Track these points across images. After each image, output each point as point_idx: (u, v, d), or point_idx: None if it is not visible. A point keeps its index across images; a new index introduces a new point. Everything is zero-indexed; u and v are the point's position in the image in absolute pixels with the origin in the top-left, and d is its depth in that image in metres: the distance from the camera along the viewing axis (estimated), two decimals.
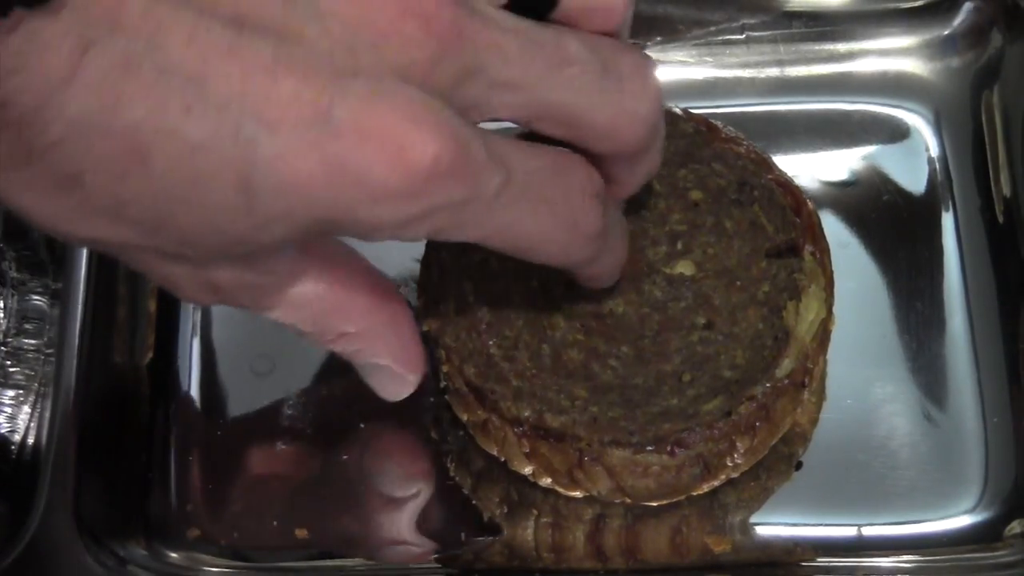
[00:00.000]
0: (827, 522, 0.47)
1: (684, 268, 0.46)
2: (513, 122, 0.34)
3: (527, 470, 0.45)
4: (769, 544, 0.47)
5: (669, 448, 0.43)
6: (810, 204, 0.48)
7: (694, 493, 0.45)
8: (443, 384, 0.47)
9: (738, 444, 0.44)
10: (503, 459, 0.46)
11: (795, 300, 0.45)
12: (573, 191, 0.34)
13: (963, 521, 0.47)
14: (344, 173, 0.28)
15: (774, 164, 0.48)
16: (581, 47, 0.33)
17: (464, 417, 0.46)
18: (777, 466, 0.48)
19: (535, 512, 0.47)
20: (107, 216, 0.29)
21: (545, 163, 0.33)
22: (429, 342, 0.45)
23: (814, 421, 0.48)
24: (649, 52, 0.36)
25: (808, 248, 0.46)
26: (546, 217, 0.34)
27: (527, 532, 0.47)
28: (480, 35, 0.30)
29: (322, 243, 0.36)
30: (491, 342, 0.45)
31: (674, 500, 0.45)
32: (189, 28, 0.27)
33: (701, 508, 0.47)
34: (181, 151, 0.27)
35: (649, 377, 0.44)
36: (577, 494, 0.46)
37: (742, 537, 0.47)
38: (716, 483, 0.45)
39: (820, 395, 0.48)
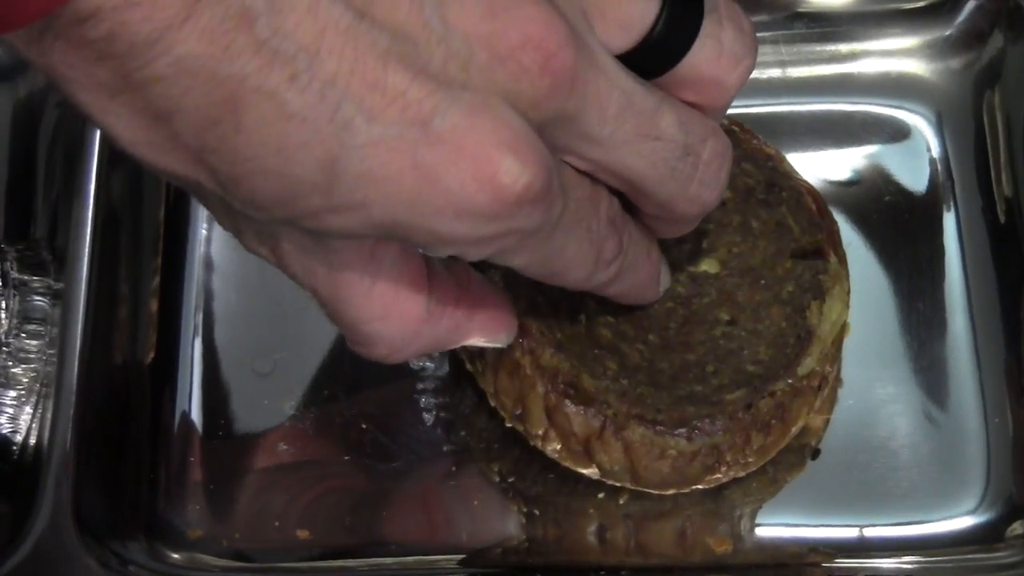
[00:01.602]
0: (829, 523, 0.47)
1: (708, 266, 0.46)
2: (576, 168, 0.34)
3: (539, 431, 0.44)
4: (771, 545, 0.47)
5: (689, 431, 0.43)
6: (831, 213, 0.48)
7: (698, 486, 0.45)
8: None
9: (752, 440, 0.44)
10: (518, 411, 0.45)
11: (819, 300, 0.45)
12: (602, 220, 0.35)
13: (965, 522, 0.47)
14: (434, 182, 0.28)
15: (795, 171, 0.48)
16: (674, 123, 0.33)
17: (489, 362, 0.45)
18: (787, 459, 0.48)
19: (539, 511, 0.47)
20: (188, 156, 0.29)
21: (587, 192, 0.34)
22: None
23: (827, 421, 0.48)
24: None
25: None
26: (584, 244, 0.34)
27: (529, 531, 0.47)
28: (589, 87, 0.30)
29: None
30: (539, 297, 0.44)
31: (678, 491, 0.45)
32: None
33: (704, 507, 0.47)
34: (276, 116, 0.27)
35: (674, 364, 0.44)
36: (583, 470, 0.45)
37: (743, 538, 0.47)
38: (722, 479, 0.45)
39: (833, 395, 0.49)
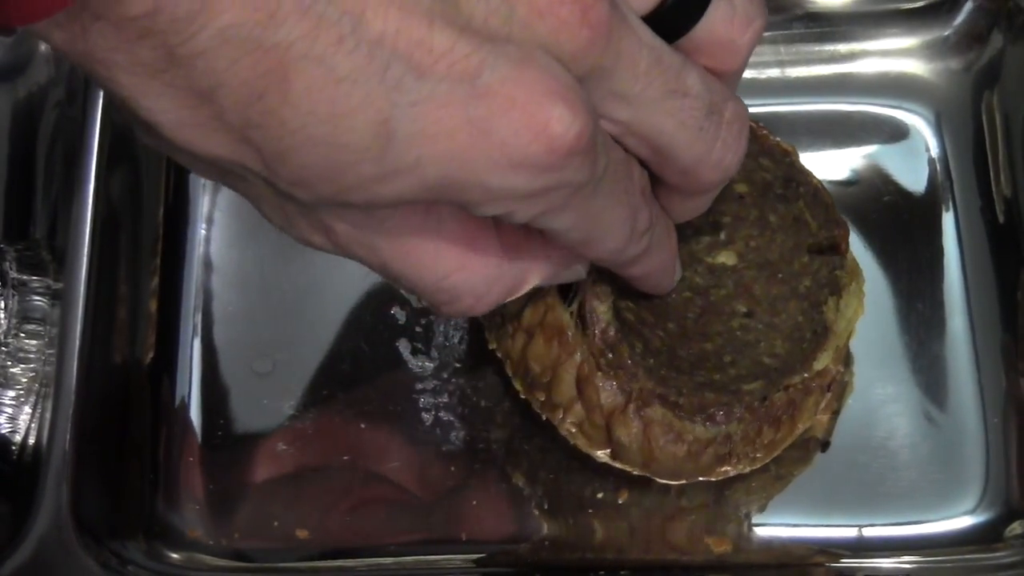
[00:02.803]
0: (828, 523, 0.48)
1: (726, 258, 0.46)
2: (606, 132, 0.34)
3: (564, 400, 0.44)
4: (770, 544, 0.47)
5: (707, 418, 0.43)
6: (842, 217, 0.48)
7: (705, 478, 0.45)
8: None
9: (763, 433, 0.44)
10: (546, 379, 0.44)
11: (835, 296, 0.45)
12: (636, 187, 0.35)
13: (964, 522, 0.47)
14: (487, 135, 0.28)
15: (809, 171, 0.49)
16: (698, 81, 0.33)
17: (541, 313, 0.44)
18: (790, 455, 0.48)
19: (538, 511, 0.47)
20: (232, 135, 0.28)
21: (621, 155, 0.34)
22: None
23: (833, 417, 0.48)
24: None
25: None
26: (623, 208, 0.34)
27: (528, 531, 0.47)
28: (623, 41, 0.31)
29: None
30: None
31: (684, 482, 0.45)
32: None
33: (704, 507, 0.47)
34: (325, 81, 0.27)
35: (693, 352, 0.44)
36: (596, 451, 0.45)
37: (743, 537, 0.47)
38: (730, 472, 0.45)
39: (841, 392, 0.49)
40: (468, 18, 0.28)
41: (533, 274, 0.36)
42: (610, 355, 0.42)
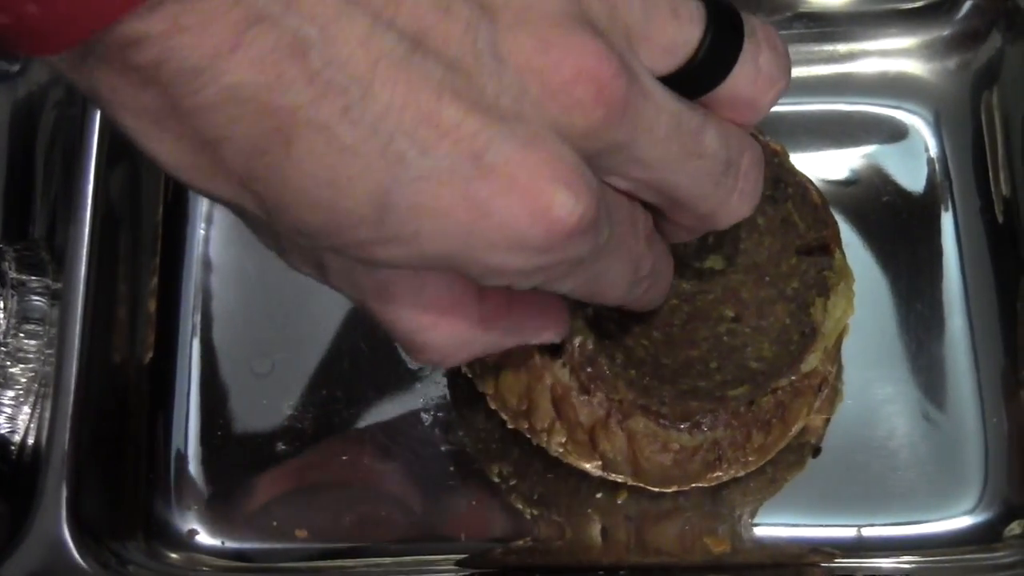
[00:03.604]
0: (827, 523, 0.48)
1: (713, 263, 0.46)
2: (617, 187, 0.34)
3: (544, 424, 0.44)
4: (769, 544, 0.47)
5: (692, 426, 0.43)
6: (833, 214, 0.48)
7: (699, 484, 0.45)
8: None
9: (753, 437, 0.44)
10: (523, 407, 0.44)
11: (823, 297, 0.45)
12: (640, 239, 0.35)
13: (963, 522, 0.47)
14: (486, 215, 0.28)
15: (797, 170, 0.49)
16: (716, 139, 0.33)
17: (489, 363, 0.45)
18: (785, 459, 0.48)
19: (537, 511, 0.47)
20: (234, 182, 0.28)
21: (626, 213, 0.34)
22: None
23: (826, 421, 0.48)
24: None
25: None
26: (625, 265, 0.34)
27: (527, 531, 0.47)
28: (641, 114, 0.30)
29: None
30: None
31: (677, 489, 0.45)
32: (366, 30, 0.27)
33: (703, 508, 0.47)
34: (327, 148, 0.27)
35: (678, 359, 0.44)
36: (586, 464, 0.45)
37: (742, 538, 0.47)
38: (723, 477, 0.45)
39: (833, 396, 0.49)
40: (479, 94, 0.28)
41: (506, 344, 0.37)
42: (589, 369, 0.42)
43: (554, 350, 0.43)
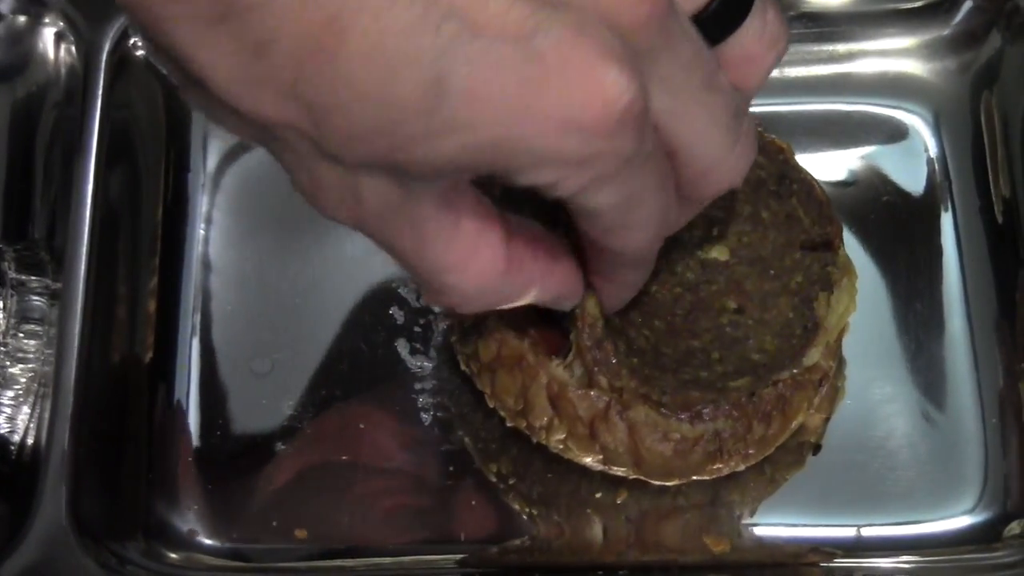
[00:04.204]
0: (826, 522, 0.48)
1: (718, 253, 0.46)
2: None
3: (542, 421, 0.44)
4: (768, 544, 0.47)
5: (693, 416, 0.43)
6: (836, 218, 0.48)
7: (700, 477, 0.45)
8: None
9: (754, 429, 0.44)
10: (520, 407, 0.44)
11: (827, 292, 0.45)
12: (670, 189, 0.35)
13: (962, 521, 0.47)
14: (540, 96, 0.28)
15: (802, 167, 0.49)
16: (728, 83, 0.34)
17: (495, 351, 0.45)
18: (784, 458, 0.48)
19: (537, 511, 0.47)
20: (283, 92, 0.28)
21: (660, 150, 0.34)
22: None
23: (825, 420, 0.48)
24: None
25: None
26: (663, 195, 0.34)
27: (527, 530, 0.47)
28: (674, 28, 0.31)
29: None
30: None
31: (679, 482, 0.45)
32: None
33: (702, 507, 0.47)
34: (382, 34, 0.27)
35: (679, 350, 0.44)
36: (587, 459, 0.44)
37: (742, 537, 0.47)
38: (724, 469, 0.45)
39: (833, 394, 0.49)
40: None
41: (522, 296, 0.36)
42: (597, 352, 0.42)
43: (552, 347, 0.43)
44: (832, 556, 0.47)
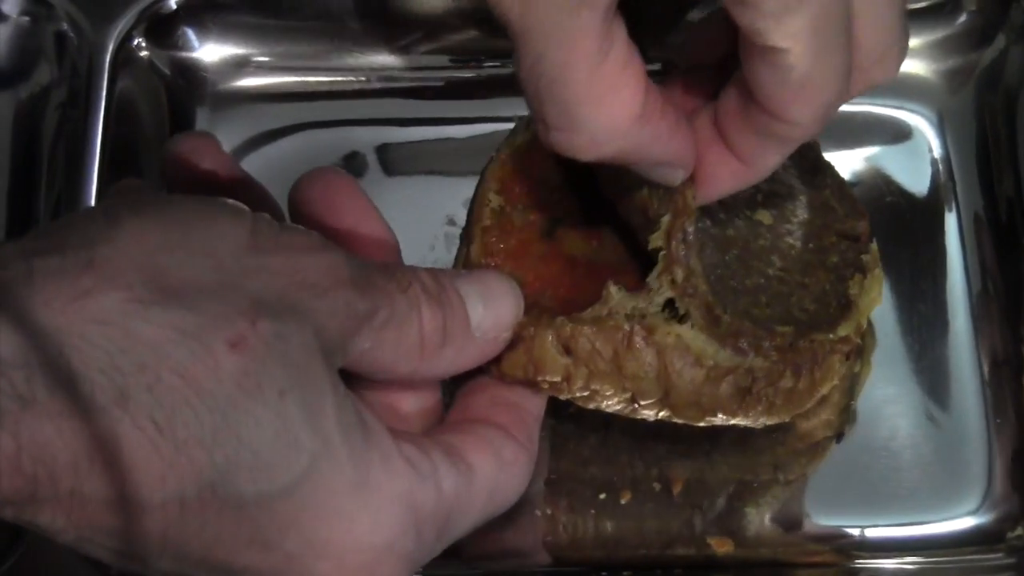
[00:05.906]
0: (830, 523, 0.47)
1: (762, 217, 0.46)
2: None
3: (558, 376, 0.42)
4: (772, 545, 0.47)
5: (737, 346, 0.42)
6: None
7: (725, 417, 0.43)
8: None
9: (785, 377, 0.43)
10: (531, 371, 0.42)
11: (861, 275, 0.45)
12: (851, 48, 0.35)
13: (966, 523, 0.47)
14: None
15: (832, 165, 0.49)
16: None
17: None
18: (788, 460, 0.48)
19: (539, 511, 0.47)
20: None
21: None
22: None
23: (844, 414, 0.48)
24: (651, 54, 0.36)
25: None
26: (847, 54, 0.34)
27: (529, 531, 0.47)
28: None
29: None
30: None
31: (704, 422, 0.43)
32: None
33: (706, 507, 0.47)
34: None
35: (741, 284, 0.44)
36: (612, 400, 0.42)
37: (745, 538, 0.47)
38: (746, 419, 0.43)
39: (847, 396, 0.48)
40: None
41: (640, 153, 0.35)
42: (683, 250, 0.41)
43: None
44: (835, 557, 0.47)
